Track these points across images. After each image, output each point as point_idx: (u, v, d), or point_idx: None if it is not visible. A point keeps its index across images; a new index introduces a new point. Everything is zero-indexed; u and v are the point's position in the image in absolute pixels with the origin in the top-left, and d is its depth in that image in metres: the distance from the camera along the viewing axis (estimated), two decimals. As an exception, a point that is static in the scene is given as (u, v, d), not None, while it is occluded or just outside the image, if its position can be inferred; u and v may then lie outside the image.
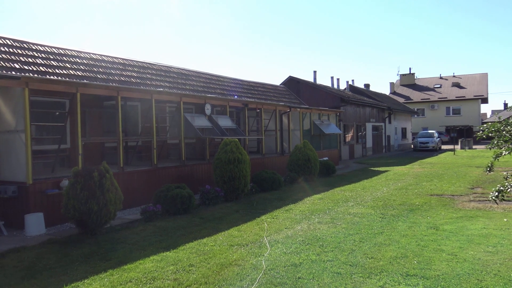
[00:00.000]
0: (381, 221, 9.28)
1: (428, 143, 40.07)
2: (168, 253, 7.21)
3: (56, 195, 9.84)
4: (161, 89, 15.24)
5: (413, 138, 46.37)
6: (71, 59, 13.61)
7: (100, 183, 8.59)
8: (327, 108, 25.89)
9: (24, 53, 12.30)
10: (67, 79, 11.96)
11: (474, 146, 43.93)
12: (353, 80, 42.41)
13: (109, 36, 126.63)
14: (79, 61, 13.83)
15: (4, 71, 10.80)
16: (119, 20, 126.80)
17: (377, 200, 12.11)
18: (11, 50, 11.98)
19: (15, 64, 11.48)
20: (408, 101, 57.60)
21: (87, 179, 8.52)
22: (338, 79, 37.97)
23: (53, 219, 9.76)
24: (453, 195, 12.70)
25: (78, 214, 8.40)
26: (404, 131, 46.19)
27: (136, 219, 10.28)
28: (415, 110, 53.78)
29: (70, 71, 12.95)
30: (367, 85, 47.75)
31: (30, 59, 12.19)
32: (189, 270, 6.29)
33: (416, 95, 59.44)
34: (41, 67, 12.17)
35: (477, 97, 55.65)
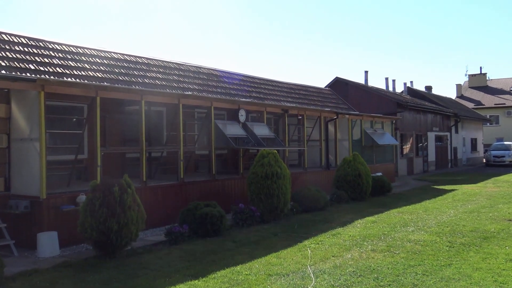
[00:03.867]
0: (449, 251, 9.01)
1: (503, 156, 38.80)
2: (196, 281, 7.25)
3: (72, 211, 10.12)
4: (189, 93, 15.47)
5: (485, 151, 44.93)
6: (90, 58, 14.05)
7: (121, 199, 8.76)
8: (380, 115, 25.51)
9: (40, 52, 12.80)
10: (86, 81, 12.36)
11: (561, 161, 42.04)
12: (411, 82, 41.68)
13: (116, 31, 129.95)
14: (99, 61, 14.26)
15: (19, 73, 11.27)
16: (129, 15, 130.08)
17: (442, 225, 11.79)
18: (26, 49, 12.51)
19: (30, 65, 11.97)
20: (479, 106, 55.97)
21: (106, 194, 8.72)
22: (394, 81, 37.42)
23: (68, 239, 10.02)
24: (537, 221, 12.17)
25: (96, 234, 8.59)
26: (474, 142, 44.83)
27: (160, 241, 10.42)
28: (487, 117, 52.15)
29: (89, 72, 13.37)
30: (428, 88, 46.82)
31: (46, 59, 12.67)
32: (221, 302, 6.29)
33: (488, 100, 57.68)
34: (57, 68, 12.63)
35: None
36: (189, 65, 18.66)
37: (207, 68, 19.47)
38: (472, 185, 22.69)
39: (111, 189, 8.79)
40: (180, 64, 18.22)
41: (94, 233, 8.62)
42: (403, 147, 30.87)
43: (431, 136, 34.86)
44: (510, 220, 12.32)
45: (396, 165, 28.80)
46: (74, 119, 13.56)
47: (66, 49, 13.85)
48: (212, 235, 10.75)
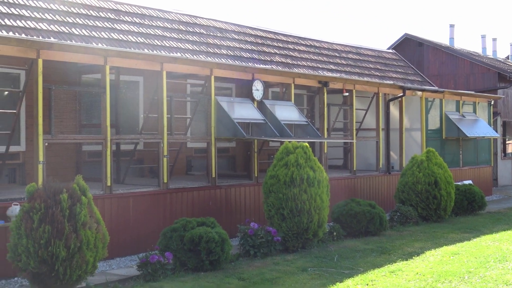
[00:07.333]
0: None
1: None
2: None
3: (0, 230, 10.26)
4: (179, 54, 15.51)
5: None
6: (30, 2, 14.18)
7: (72, 213, 8.86)
8: (472, 92, 25.26)
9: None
10: (23, 35, 12.47)
11: None
12: (522, 42, 41.11)
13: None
14: (44, 5, 14.38)
15: None
16: None
17: (560, 260, 11.70)
18: None
19: None
20: None
21: (50, 204, 8.81)
22: (494, 40, 37.05)
23: (-6, 270, 10.19)
24: None
25: (35, 264, 8.69)
26: None
27: (131, 275, 10.51)
28: None
29: (29, 21, 13.49)
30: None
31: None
32: None
33: None
34: (-18, 16, 12.79)
35: None
36: (180, 14, 18.71)
37: (206, 19, 19.50)
38: None
39: (57, 197, 8.88)
40: (166, 12, 18.26)
41: (31, 261, 8.69)
42: (507, 142, 30.51)
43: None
44: None
45: (495, 170, 28.50)
46: (6, 93, 13.71)
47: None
48: (209, 268, 10.78)
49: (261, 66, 17.03)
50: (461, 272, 10.71)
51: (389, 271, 10.80)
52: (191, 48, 17.03)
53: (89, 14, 15.38)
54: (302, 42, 22.69)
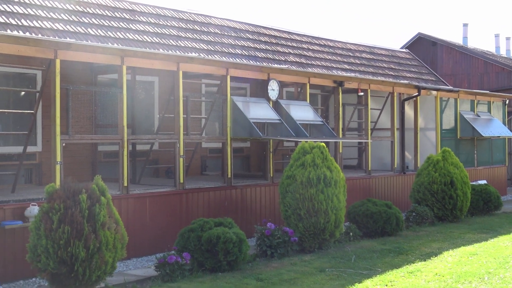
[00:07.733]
0: None
1: None
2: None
3: (19, 230, 10.27)
4: (194, 54, 15.51)
5: None
6: (46, 2, 14.22)
7: (91, 213, 8.86)
8: (487, 91, 25.13)
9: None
10: (40, 35, 12.49)
11: None
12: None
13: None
14: (60, 6, 14.42)
15: None
16: None
17: None
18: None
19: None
20: None
21: (69, 205, 8.81)
22: (508, 39, 36.88)
23: (12, 271, 10.19)
24: None
25: (54, 264, 8.70)
26: None
27: (148, 275, 10.52)
28: None
29: (45, 22, 13.53)
30: None
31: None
32: None
33: None
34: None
35: None
36: (194, 14, 18.73)
37: (220, 19, 19.51)
38: None
39: (76, 198, 8.88)
40: (180, 11, 18.29)
41: (51, 262, 8.71)
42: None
43: None
44: None
45: (510, 169, 28.35)
46: (22, 93, 13.73)
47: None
48: (226, 269, 10.77)
49: (277, 66, 17.03)
50: (481, 272, 10.66)
51: (407, 272, 10.78)
52: (205, 48, 17.05)
53: (105, 14, 15.44)
54: (316, 41, 22.67)
